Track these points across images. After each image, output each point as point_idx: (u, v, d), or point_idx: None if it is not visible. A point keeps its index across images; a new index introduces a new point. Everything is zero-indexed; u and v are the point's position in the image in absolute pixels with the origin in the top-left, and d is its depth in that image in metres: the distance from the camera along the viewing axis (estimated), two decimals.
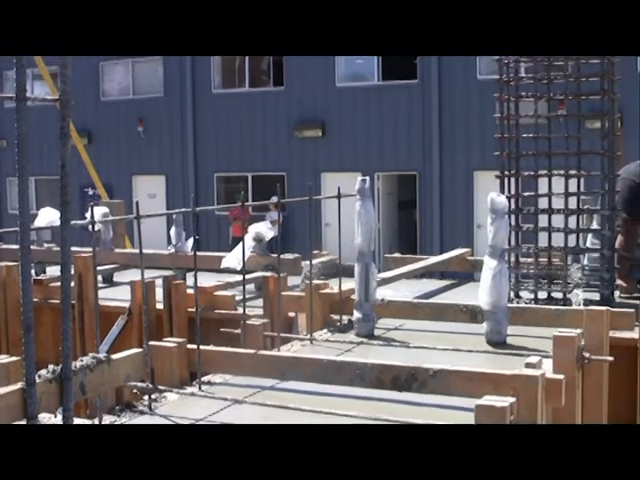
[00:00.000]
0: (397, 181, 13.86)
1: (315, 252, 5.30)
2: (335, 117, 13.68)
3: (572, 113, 4.29)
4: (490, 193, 3.28)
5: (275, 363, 2.69)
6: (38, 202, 14.04)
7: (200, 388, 2.66)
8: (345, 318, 3.61)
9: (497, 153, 4.28)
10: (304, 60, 13.44)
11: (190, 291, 4.39)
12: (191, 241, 5.41)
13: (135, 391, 2.55)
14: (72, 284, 4.22)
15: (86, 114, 14.85)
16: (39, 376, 2.00)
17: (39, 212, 5.68)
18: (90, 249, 2.90)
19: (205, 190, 14.61)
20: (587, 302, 3.80)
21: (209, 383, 2.75)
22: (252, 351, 2.78)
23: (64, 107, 1.67)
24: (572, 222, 4.19)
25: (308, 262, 4.01)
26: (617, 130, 4.28)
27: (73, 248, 2.17)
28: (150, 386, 2.51)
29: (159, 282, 4.48)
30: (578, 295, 3.90)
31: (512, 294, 4.08)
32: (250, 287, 4.86)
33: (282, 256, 4.26)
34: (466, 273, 5.53)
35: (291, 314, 3.98)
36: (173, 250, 5.53)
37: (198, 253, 3.18)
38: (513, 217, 4.15)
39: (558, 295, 4.11)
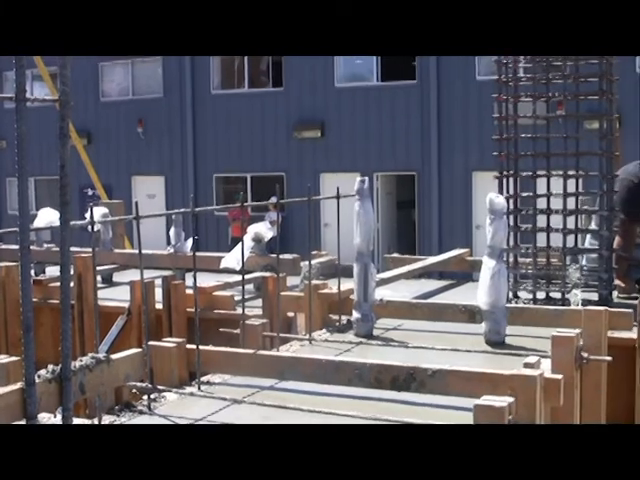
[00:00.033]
0: (396, 181, 13.87)
1: (314, 252, 5.30)
2: (334, 118, 13.69)
3: (570, 114, 4.30)
4: (489, 193, 3.29)
5: (274, 363, 2.69)
6: (38, 202, 14.05)
7: (199, 388, 2.66)
8: (344, 318, 3.61)
9: (496, 153, 4.28)
10: (303, 61, 13.45)
11: (189, 291, 4.39)
12: (190, 241, 5.41)
13: (134, 391, 2.56)
14: (71, 284, 4.23)
15: (85, 115, 14.86)
16: (39, 376, 2.00)
17: (38, 212, 5.69)
18: (89, 249, 2.91)
19: (204, 190, 14.61)
20: (585, 302, 3.80)
21: (208, 383, 2.75)
22: (251, 351, 2.79)
23: (63, 108, 1.67)
24: (570, 222, 4.20)
25: (307, 262, 4.02)
26: (615, 131, 4.29)
27: (72, 248, 2.17)
28: (149, 386, 2.52)
29: (158, 282, 4.49)
30: (576, 295, 3.90)
31: (511, 294, 4.08)
32: (249, 287, 4.86)
33: (281, 256, 4.27)
34: (465, 273, 5.54)
35: (290, 314, 3.98)
36: (172, 250, 5.54)
37: (197, 253, 3.18)
38: (512, 217, 4.15)
39: (556, 295, 4.11)
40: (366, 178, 3.42)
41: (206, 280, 4.67)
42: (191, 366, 2.71)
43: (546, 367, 2.47)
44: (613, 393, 3.15)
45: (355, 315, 3.46)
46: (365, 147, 13.46)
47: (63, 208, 1.70)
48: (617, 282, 4.20)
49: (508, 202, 3.94)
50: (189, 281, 4.64)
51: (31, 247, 1.72)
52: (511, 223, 4.11)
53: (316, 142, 13.87)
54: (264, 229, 5.09)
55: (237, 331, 3.18)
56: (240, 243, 3.45)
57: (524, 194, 4.26)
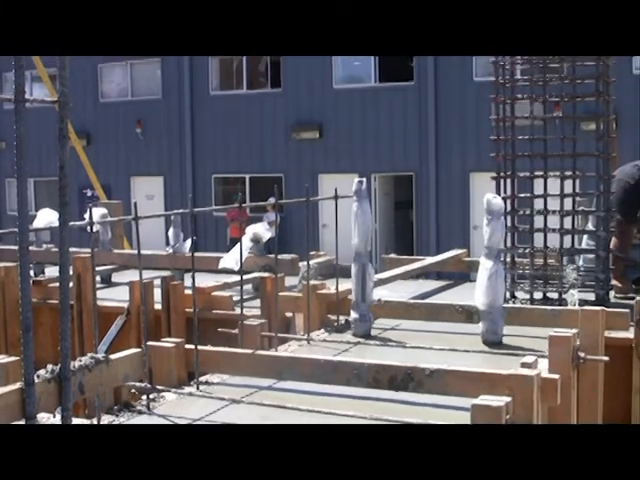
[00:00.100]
0: (394, 182, 13.89)
1: (312, 253, 5.31)
2: (332, 119, 13.71)
3: (567, 115, 4.31)
4: (486, 194, 3.30)
5: (272, 363, 2.70)
6: (37, 203, 14.05)
7: (198, 388, 2.67)
8: (342, 318, 3.62)
9: (493, 154, 4.30)
10: (301, 62, 13.47)
11: (188, 291, 4.40)
12: (189, 242, 5.42)
13: (133, 391, 2.56)
14: (71, 284, 4.22)
15: (85, 116, 14.85)
16: (38, 376, 2.01)
17: (38, 213, 5.69)
18: (89, 250, 2.92)
19: (203, 191, 14.62)
20: (582, 302, 3.81)
21: (207, 383, 2.76)
22: (249, 351, 2.79)
23: (62, 109, 1.68)
24: (567, 223, 4.22)
25: (305, 263, 4.02)
26: (612, 132, 4.31)
27: (72, 249, 2.18)
28: (148, 386, 2.53)
29: (157, 282, 4.49)
30: (573, 295, 3.92)
31: (508, 294, 4.09)
32: (248, 287, 4.87)
33: (279, 257, 4.28)
34: (462, 274, 5.55)
35: (288, 314, 3.99)
36: (171, 251, 5.54)
37: (196, 254, 3.19)
38: (509, 218, 4.17)
39: (554, 295, 4.12)
40: (364, 179, 3.43)
41: (205, 280, 4.67)
42: (190, 366, 2.71)
43: (543, 367, 2.48)
44: (610, 393, 3.16)
45: (353, 315, 3.47)
46: (363, 148, 13.48)
47: (62, 209, 1.71)
48: (614, 282, 4.22)
49: (505, 203, 3.95)
50: (188, 281, 4.63)
51: (30, 247, 1.73)
52: (508, 224, 4.12)
53: (314, 143, 13.88)
54: (262, 230, 5.10)
55: (235, 331, 3.18)
56: (239, 243, 3.46)
57: (521, 195, 4.28)
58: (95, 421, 2.19)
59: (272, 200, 9.83)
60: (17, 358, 2.23)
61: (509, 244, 4.20)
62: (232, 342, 3.11)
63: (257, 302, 4.29)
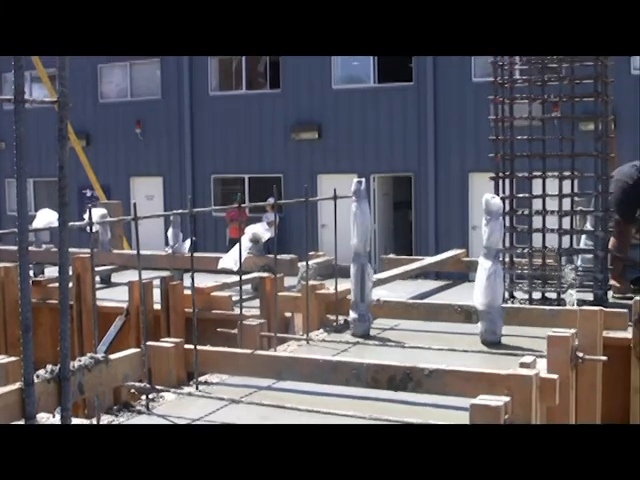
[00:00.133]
0: (393, 182, 13.90)
1: (311, 253, 5.32)
2: (331, 119, 13.72)
3: (566, 115, 4.32)
4: (485, 194, 3.30)
5: (271, 363, 2.71)
6: (36, 203, 14.06)
7: (197, 388, 2.67)
8: (341, 318, 3.63)
9: (492, 155, 4.31)
10: (300, 62, 13.48)
11: (187, 292, 4.40)
12: (188, 242, 5.42)
13: (133, 391, 2.57)
14: (70, 285, 4.22)
15: (84, 116, 14.86)
16: (37, 376, 2.01)
17: (37, 213, 5.69)
18: (88, 250, 2.92)
19: (202, 192, 14.63)
20: (581, 302, 3.82)
21: (206, 383, 2.76)
22: (249, 351, 2.80)
23: (62, 109, 1.69)
24: (566, 223, 4.23)
25: (304, 263, 4.03)
26: (610, 132, 4.32)
27: (71, 249, 2.18)
28: (148, 386, 2.53)
29: (157, 283, 4.50)
30: (572, 295, 3.92)
31: (507, 294, 4.10)
32: (247, 288, 4.87)
33: (279, 257, 4.28)
34: (461, 274, 5.56)
35: (287, 314, 4.00)
36: (170, 251, 5.55)
37: (195, 254, 3.19)
38: (507, 218, 4.17)
39: (552, 295, 4.13)
40: (363, 179, 3.43)
41: (204, 281, 4.68)
42: (189, 366, 2.72)
43: (542, 367, 2.48)
44: (608, 393, 3.16)
45: (352, 315, 3.48)
46: (362, 148, 13.49)
47: (62, 209, 1.72)
48: (612, 282, 4.23)
49: (504, 203, 3.96)
50: (187, 282, 4.63)
51: (30, 248, 1.73)
52: (507, 224, 4.13)
53: (313, 143, 13.90)
54: (262, 230, 5.10)
55: (235, 331, 3.19)
56: (238, 244, 3.47)
57: (520, 195, 4.28)
58: (95, 421, 2.19)
59: (271, 200, 9.84)
60: (17, 358, 2.23)
61: (508, 244, 4.21)
62: (231, 342, 3.12)
63: (256, 302, 4.29)
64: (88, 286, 4.60)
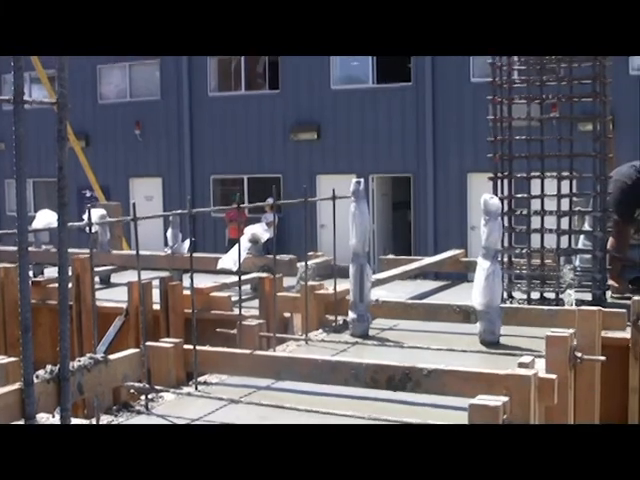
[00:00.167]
0: (391, 183, 13.92)
1: (310, 253, 5.32)
2: (330, 120, 13.74)
3: (564, 115, 4.33)
4: (483, 195, 3.31)
5: (271, 363, 2.71)
6: (36, 204, 14.06)
7: (196, 388, 2.68)
8: (340, 318, 3.63)
9: (490, 155, 4.31)
10: (299, 63, 13.49)
11: (186, 292, 4.40)
12: (187, 243, 5.43)
13: (132, 391, 2.57)
14: (70, 285, 4.22)
15: (84, 117, 14.86)
16: (37, 376, 2.02)
17: (37, 214, 5.69)
18: (87, 250, 2.93)
19: (201, 192, 14.63)
20: (579, 302, 3.83)
21: (205, 383, 2.77)
22: (248, 351, 2.80)
23: (61, 110, 1.69)
24: (564, 223, 4.23)
25: (303, 263, 4.03)
26: (609, 132, 4.32)
27: (71, 250, 2.19)
28: (147, 386, 2.53)
29: (156, 283, 4.50)
30: (570, 295, 3.93)
31: (505, 294, 4.11)
32: (246, 288, 4.88)
33: (278, 257, 4.29)
34: (460, 274, 5.56)
35: (286, 314, 4.00)
36: (170, 251, 5.55)
37: (194, 254, 3.20)
38: (506, 218, 4.18)
39: (551, 295, 4.14)
40: (362, 180, 3.44)
41: (203, 281, 4.68)
42: (188, 366, 2.72)
43: (540, 367, 2.49)
44: (607, 392, 3.17)
45: (351, 315, 3.48)
46: (361, 149, 13.50)
47: (61, 210, 1.72)
48: (611, 282, 4.23)
49: (502, 203, 3.97)
50: (186, 282, 4.64)
51: (29, 248, 1.74)
52: (505, 224, 4.14)
53: (312, 144, 13.91)
54: (261, 230, 5.11)
55: (234, 331, 3.19)
56: (237, 244, 3.47)
57: (518, 195, 4.29)
58: (94, 421, 2.19)
59: (270, 201, 9.85)
60: (16, 358, 2.23)
61: (506, 244, 4.22)
62: (230, 342, 3.12)
63: (255, 302, 4.29)
64: (87, 286, 4.60)
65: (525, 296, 4.17)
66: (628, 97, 10.67)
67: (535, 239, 4.24)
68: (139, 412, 2.46)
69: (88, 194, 13.88)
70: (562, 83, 4.21)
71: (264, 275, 4.40)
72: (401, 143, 13.29)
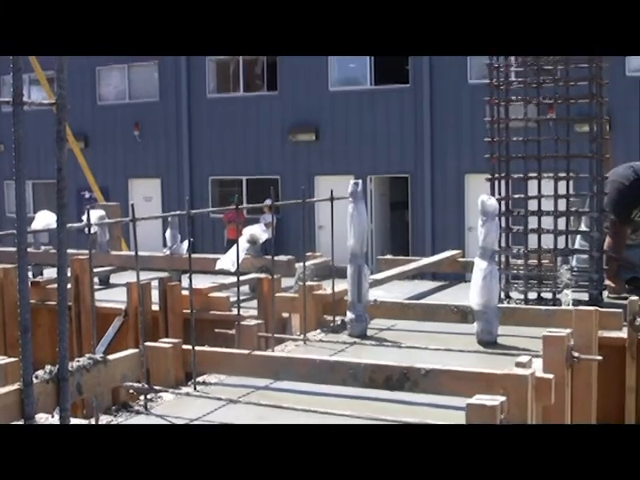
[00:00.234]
0: (389, 183, 13.93)
1: (308, 254, 5.32)
2: (328, 121, 13.75)
3: (561, 117, 4.35)
4: (481, 195, 3.33)
5: (269, 363, 2.72)
6: (35, 205, 14.03)
7: (195, 388, 2.69)
8: (338, 319, 3.64)
9: (487, 156, 4.33)
10: (297, 65, 13.51)
11: (185, 292, 4.42)
12: (186, 243, 5.44)
13: (131, 391, 2.58)
14: (69, 286, 4.23)
15: (83, 118, 14.85)
16: (36, 377, 2.03)
17: (36, 215, 5.70)
18: (87, 251, 2.94)
19: (200, 193, 14.63)
20: (576, 302, 3.84)
21: (204, 383, 2.78)
22: (246, 351, 2.81)
23: (60, 111, 1.70)
24: (561, 224, 4.25)
25: (302, 264, 4.04)
26: (605, 133, 4.34)
27: (70, 250, 2.20)
28: (146, 386, 2.54)
29: (155, 284, 4.51)
30: (567, 295, 3.95)
31: (502, 295, 4.12)
32: (244, 288, 4.89)
33: (276, 258, 4.30)
34: (457, 274, 5.58)
35: (285, 315, 4.01)
36: (168, 252, 5.56)
37: (193, 255, 3.21)
38: (503, 219, 4.20)
39: (548, 295, 4.15)
40: (360, 181, 3.45)
41: (202, 282, 4.69)
42: (187, 366, 2.73)
43: (537, 366, 2.50)
44: (603, 392, 3.18)
45: (349, 316, 3.49)
46: (359, 150, 13.51)
47: (60, 211, 1.73)
48: (607, 282, 4.25)
49: (500, 204, 3.98)
50: (185, 282, 4.66)
51: (29, 249, 1.75)
52: (503, 224, 4.15)
53: (310, 145, 13.91)
54: (259, 231, 5.12)
55: (232, 332, 3.21)
56: (235, 245, 3.48)
57: (515, 196, 4.31)
58: (93, 421, 2.20)
59: (268, 202, 9.84)
60: (16, 359, 2.24)
61: (503, 245, 4.23)
62: (229, 342, 3.14)
63: (254, 303, 4.31)
64: (87, 287, 4.61)
65: (522, 296, 4.18)
66: (625, 98, 10.70)
67: (532, 239, 4.26)
68: (138, 412, 2.47)
69: (87, 195, 13.88)
70: (559, 84, 4.22)
71: (262, 276, 4.41)
72: (399, 144, 13.31)
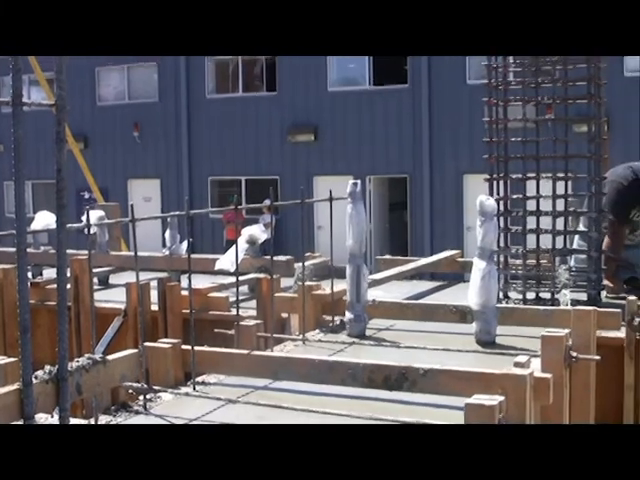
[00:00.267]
0: (388, 184, 13.94)
1: (307, 254, 5.34)
2: (327, 121, 13.76)
3: (559, 117, 4.35)
4: (479, 196, 3.33)
5: (268, 363, 2.73)
6: (35, 206, 14.03)
7: (194, 388, 2.69)
8: (337, 319, 3.65)
9: (486, 156, 4.34)
10: (296, 65, 13.52)
11: (184, 293, 4.42)
12: (185, 244, 5.44)
13: (130, 391, 2.58)
14: (68, 286, 4.25)
15: (82, 119, 14.86)
16: (36, 377, 2.03)
17: (36, 215, 5.70)
18: (86, 252, 2.94)
19: (199, 193, 14.63)
20: (574, 302, 3.84)
21: (203, 383, 2.78)
22: (245, 351, 2.81)
23: (60, 112, 1.70)
24: (560, 224, 4.26)
25: (301, 264, 4.05)
26: (604, 134, 4.35)
27: (69, 251, 2.20)
28: (145, 386, 2.54)
29: (154, 284, 4.52)
30: (566, 295, 3.95)
31: (501, 295, 4.13)
32: (244, 289, 4.90)
33: (275, 258, 4.30)
34: (456, 274, 5.59)
35: (284, 315, 4.02)
36: (168, 252, 5.57)
37: (192, 255, 3.21)
38: (502, 219, 4.20)
39: (546, 295, 4.16)
40: (358, 181, 3.46)
41: (201, 282, 4.69)
42: (186, 366, 2.73)
43: (536, 366, 2.50)
44: (602, 391, 3.19)
45: (348, 315, 3.50)
46: (358, 150, 13.52)
47: (59, 211, 1.73)
48: (606, 282, 4.26)
49: (498, 204, 3.99)
50: (184, 283, 4.66)
51: (28, 250, 1.75)
52: (501, 225, 4.16)
53: (309, 146, 13.92)
54: (258, 231, 5.13)
55: (232, 332, 3.21)
56: (234, 245, 3.48)
57: (514, 196, 4.32)
58: (92, 421, 2.21)
59: (268, 202, 9.86)
60: (15, 359, 2.24)
61: (502, 245, 4.24)
62: (228, 343, 3.14)
63: (253, 303, 4.31)
64: (86, 287, 4.61)
65: (521, 296, 4.19)
66: (623, 99, 10.71)
67: (531, 239, 4.27)
68: (137, 412, 2.47)
69: (87, 195, 13.88)
70: (557, 85, 4.23)
71: (261, 276, 4.42)
72: (398, 144, 13.32)
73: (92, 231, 2.43)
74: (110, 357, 2.48)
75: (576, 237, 4.50)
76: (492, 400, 2.05)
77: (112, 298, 4.97)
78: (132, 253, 2.46)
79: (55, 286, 1.78)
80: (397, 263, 5.18)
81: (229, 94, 14.78)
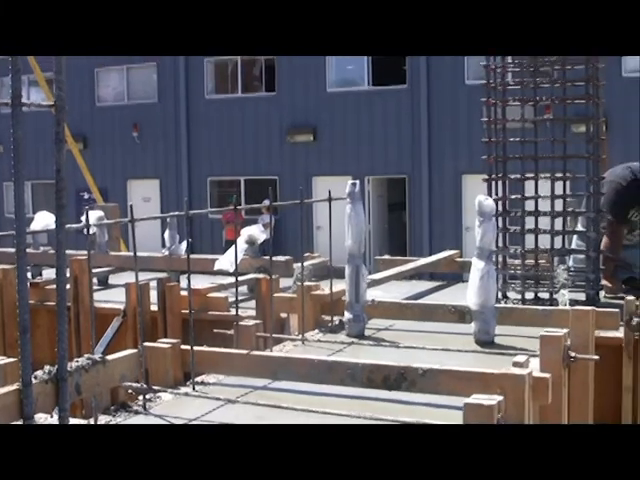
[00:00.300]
0: (387, 184, 13.95)
1: (306, 254, 5.35)
2: (326, 122, 13.77)
3: (558, 117, 4.36)
4: (478, 196, 3.34)
5: (267, 363, 2.73)
6: (34, 206, 14.04)
7: (194, 388, 2.69)
8: (336, 319, 3.65)
9: (485, 157, 4.35)
10: (295, 66, 13.53)
11: (184, 293, 4.42)
12: (185, 244, 5.44)
13: (130, 391, 2.58)
14: (68, 286, 4.25)
15: (81, 119, 14.86)
16: (35, 377, 2.03)
17: (35, 216, 5.70)
18: (85, 252, 2.94)
19: (199, 194, 14.64)
20: (573, 302, 3.85)
21: (203, 383, 2.78)
22: (245, 351, 2.82)
23: (59, 112, 1.70)
24: (558, 224, 4.27)
25: (300, 264, 4.06)
26: (602, 134, 4.36)
27: (68, 251, 2.20)
28: (145, 386, 2.55)
29: (153, 284, 4.52)
30: (564, 295, 3.96)
31: (500, 295, 4.13)
32: (243, 289, 4.90)
33: (274, 258, 4.31)
34: (455, 274, 5.60)
35: (283, 315, 4.02)
36: (167, 253, 5.57)
37: (192, 256, 3.22)
38: (500, 219, 4.21)
39: (545, 295, 4.17)
40: (357, 181, 3.46)
41: (200, 282, 4.70)
42: (186, 366, 2.74)
43: (535, 366, 2.51)
44: (600, 391, 3.19)
45: (347, 316, 3.50)
46: (357, 151, 13.54)
47: (59, 211, 1.73)
48: (604, 282, 4.27)
49: (497, 204, 4.00)
50: (184, 283, 4.66)
51: (28, 250, 1.75)
52: (500, 225, 4.17)
53: (308, 146, 13.93)
54: (257, 232, 5.13)
55: (231, 332, 3.21)
56: (234, 245, 3.49)
57: (512, 196, 4.32)
58: (92, 421, 2.21)
59: (267, 202, 9.86)
60: (15, 359, 2.25)
61: (500, 245, 4.25)
62: (228, 343, 3.14)
63: (252, 303, 4.32)
64: (85, 288, 4.61)
65: (519, 296, 4.19)
66: (621, 99, 10.73)
67: (529, 239, 4.27)
68: (137, 412, 2.47)
69: (86, 196, 13.88)
70: (555, 85, 4.24)
71: (261, 276, 4.42)
72: (396, 145, 13.33)
73: (91, 231, 2.44)
74: (109, 357, 2.49)
75: (574, 237, 4.51)
76: (491, 400, 2.05)
77: (111, 298, 4.97)
78: (131, 253, 2.46)
79: (54, 286, 1.78)
80: (396, 263, 5.19)
81: (228, 95, 14.79)
